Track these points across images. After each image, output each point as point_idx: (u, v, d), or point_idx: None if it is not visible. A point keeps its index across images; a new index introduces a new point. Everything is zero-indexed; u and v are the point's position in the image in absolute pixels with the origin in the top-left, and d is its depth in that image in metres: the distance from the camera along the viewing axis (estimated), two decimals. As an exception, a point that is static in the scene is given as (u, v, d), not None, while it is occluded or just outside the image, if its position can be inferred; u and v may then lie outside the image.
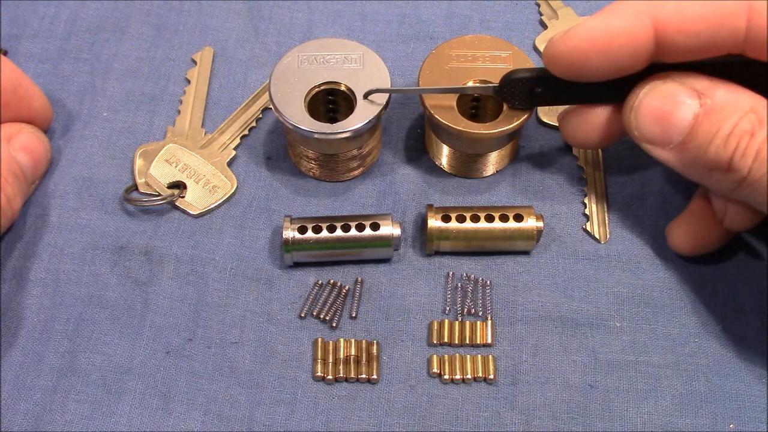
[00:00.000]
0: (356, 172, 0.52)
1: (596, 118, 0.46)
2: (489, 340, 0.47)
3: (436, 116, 0.47)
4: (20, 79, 0.49)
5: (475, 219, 0.48)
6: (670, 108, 0.41)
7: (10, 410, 0.44)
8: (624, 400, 0.45)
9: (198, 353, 0.46)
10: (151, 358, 0.46)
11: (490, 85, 0.48)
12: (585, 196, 0.51)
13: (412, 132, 0.54)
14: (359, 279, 0.49)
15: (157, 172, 0.52)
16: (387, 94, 0.48)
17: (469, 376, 0.46)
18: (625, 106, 0.44)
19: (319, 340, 0.47)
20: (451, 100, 0.48)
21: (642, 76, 0.43)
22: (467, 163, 0.51)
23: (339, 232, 0.47)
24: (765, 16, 0.39)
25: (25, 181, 0.48)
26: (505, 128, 0.47)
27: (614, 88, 0.44)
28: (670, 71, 0.42)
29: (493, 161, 0.52)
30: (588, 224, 0.50)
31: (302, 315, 0.48)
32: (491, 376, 0.45)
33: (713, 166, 0.40)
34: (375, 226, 0.47)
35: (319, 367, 0.46)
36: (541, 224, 0.48)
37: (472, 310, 0.48)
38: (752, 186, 0.40)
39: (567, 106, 0.48)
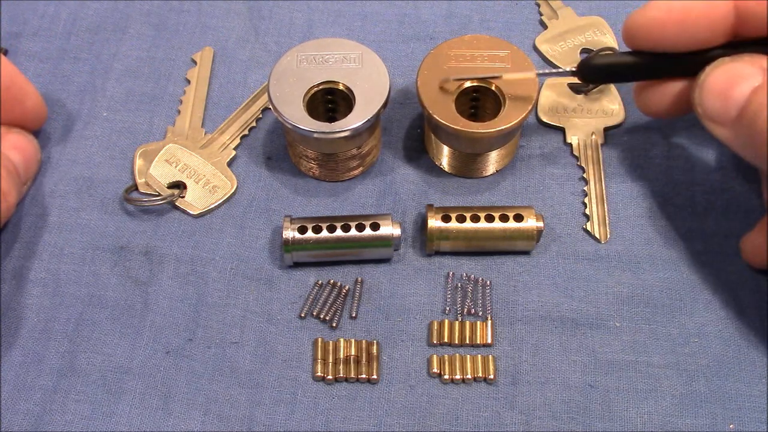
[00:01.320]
0: (356, 172, 0.52)
1: (670, 90, 0.45)
2: (489, 340, 0.47)
3: (435, 116, 0.47)
4: (14, 78, 0.48)
5: (475, 219, 0.48)
6: (732, 83, 0.40)
7: (10, 410, 0.44)
8: (624, 400, 0.45)
9: (198, 353, 0.46)
10: (151, 358, 0.46)
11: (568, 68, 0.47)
12: (585, 196, 0.51)
13: (412, 132, 0.54)
14: (359, 279, 0.49)
15: (157, 172, 0.52)
16: (385, 94, 0.48)
17: (469, 376, 0.45)
18: (694, 82, 0.43)
19: (319, 340, 0.47)
20: (450, 100, 0.48)
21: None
22: (467, 163, 0.51)
23: (339, 232, 0.47)
24: None
25: (19, 179, 0.48)
26: (503, 127, 0.47)
27: (691, 64, 0.43)
28: (744, 51, 0.41)
29: (492, 161, 0.52)
30: (588, 224, 0.50)
31: (302, 315, 0.48)
32: (491, 376, 0.45)
33: (763, 141, 0.39)
34: (375, 226, 0.47)
35: (319, 367, 0.46)
36: (541, 224, 0.48)
37: (472, 310, 0.48)
38: None
39: None
